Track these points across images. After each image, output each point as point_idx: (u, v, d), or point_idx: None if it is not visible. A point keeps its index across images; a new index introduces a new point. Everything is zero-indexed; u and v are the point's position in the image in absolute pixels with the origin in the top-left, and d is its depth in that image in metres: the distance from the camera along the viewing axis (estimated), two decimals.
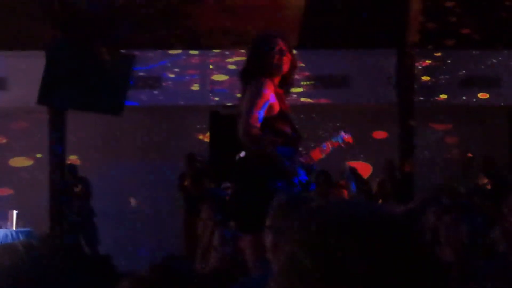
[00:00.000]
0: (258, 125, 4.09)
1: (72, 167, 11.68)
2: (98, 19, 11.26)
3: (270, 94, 4.18)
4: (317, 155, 4.75)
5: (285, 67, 4.34)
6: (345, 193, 10.10)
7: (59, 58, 10.56)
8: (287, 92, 4.47)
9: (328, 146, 4.83)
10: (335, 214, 1.03)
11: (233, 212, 4.53)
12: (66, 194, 11.33)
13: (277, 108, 4.23)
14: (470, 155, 11.17)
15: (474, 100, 12.29)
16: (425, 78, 12.27)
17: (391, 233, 0.99)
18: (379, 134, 12.80)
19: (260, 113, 4.12)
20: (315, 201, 1.03)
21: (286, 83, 4.41)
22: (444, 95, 12.33)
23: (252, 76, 4.26)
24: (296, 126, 4.46)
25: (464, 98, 12.28)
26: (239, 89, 4.42)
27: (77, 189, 11.41)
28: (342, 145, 4.94)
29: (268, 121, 4.15)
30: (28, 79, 11.01)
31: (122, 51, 11.16)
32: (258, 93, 4.15)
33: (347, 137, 4.94)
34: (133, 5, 11.35)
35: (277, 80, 4.32)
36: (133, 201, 12.08)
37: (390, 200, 10.45)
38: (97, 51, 10.83)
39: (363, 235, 0.98)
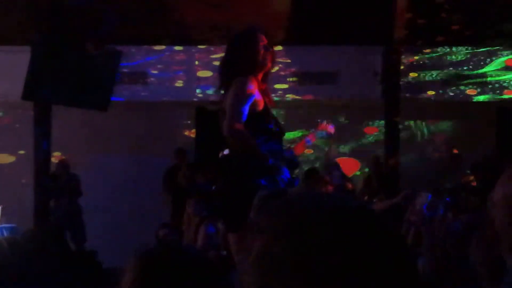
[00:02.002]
0: (243, 122, 4.07)
1: (64, 163, 11.62)
2: (83, 14, 11.21)
3: (254, 90, 4.15)
4: (301, 148, 4.74)
5: (269, 63, 4.32)
6: (330, 189, 10.11)
7: (44, 53, 10.50)
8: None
9: (311, 139, 4.81)
10: (307, 205, 1.02)
11: (218, 210, 4.52)
12: (54, 190, 11.29)
13: (261, 104, 4.21)
14: (455, 151, 11.21)
15: (461, 96, 12.33)
16: (412, 74, 12.30)
17: (363, 224, 0.99)
18: (371, 130, 12.81)
19: (244, 110, 4.09)
20: (293, 192, 1.03)
21: (266, 78, 4.38)
22: (431, 91, 12.37)
23: (234, 72, 4.22)
24: (280, 122, 4.44)
25: (451, 94, 12.32)
26: (220, 84, 4.35)
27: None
28: (325, 137, 4.92)
29: (253, 117, 4.13)
30: (13, 74, 10.94)
31: (108, 46, 11.11)
32: (242, 90, 4.12)
33: (329, 128, 4.92)
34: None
35: (260, 75, 4.30)
36: None
37: (376, 196, 10.47)
38: (83, 46, 10.79)
39: (336, 226, 0.97)
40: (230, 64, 4.28)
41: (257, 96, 4.17)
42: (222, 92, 4.30)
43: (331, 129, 4.87)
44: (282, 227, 0.99)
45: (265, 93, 4.29)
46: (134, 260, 1.75)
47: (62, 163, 11.56)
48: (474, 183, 10.47)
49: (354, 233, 0.97)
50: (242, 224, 3.73)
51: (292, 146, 4.75)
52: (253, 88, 4.14)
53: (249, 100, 4.10)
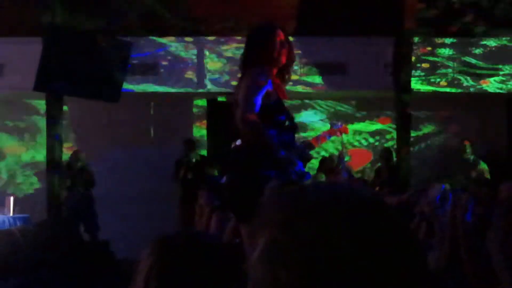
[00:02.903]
0: (256, 112, 4.08)
1: (78, 154, 11.68)
2: (95, 6, 11.23)
3: (267, 82, 4.17)
4: (314, 144, 4.76)
5: (283, 59, 4.33)
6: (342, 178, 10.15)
7: (56, 45, 10.53)
8: (284, 82, 4.46)
9: (324, 135, 4.84)
10: (315, 195, 1.00)
11: (228, 201, 4.52)
12: (67, 180, 11.32)
13: (274, 96, 4.22)
14: (466, 142, 11.17)
15: (473, 87, 12.28)
16: (425, 65, 12.25)
17: (373, 215, 0.98)
18: (384, 121, 12.78)
19: (257, 100, 4.10)
20: (301, 184, 1.00)
21: (283, 74, 4.40)
22: (444, 82, 12.32)
23: (250, 65, 4.25)
24: (292, 116, 4.46)
25: (463, 85, 12.28)
26: (236, 76, 4.41)
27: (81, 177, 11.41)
28: (338, 135, 4.95)
29: (265, 109, 4.14)
30: (25, 66, 10.97)
31: (118, 38, 11.13)
32: (255, 81, 4.14)
33: (343, 127, 4.95)
34: None
35: (275, 70, 4.32)
36: None
37: (386, 187, 10.48)
38: (94, 38, 10.81)
39: (345, 216, 0.96)
40: (247, 57, 4.32)
41: (270, 88, 4.19)
42: (235, 83, 4.34)
43: (344, 128, 4.91)
44: (290, 219, 0.97)
45: (278, 87, 4.31)
46: (152, 245, 1.75)
47: (76, 154, 11.59)
48: (487, 175, 10.45)
49: (363, 224, 0.96)
50: (253, 215, 3.72)
51: (308, 139, 4.76)
52: (266, 79, 4.16)
53: (262, 90, 4.12)
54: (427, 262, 1.05)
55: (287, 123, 4.28)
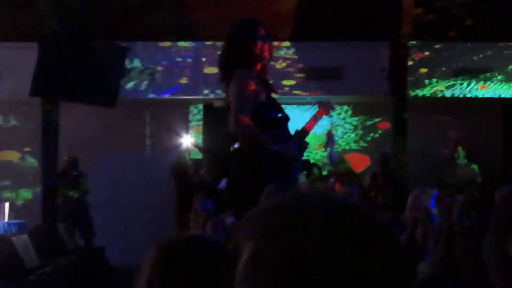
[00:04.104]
0: (248, 116, 4.08)
1: (73, 159, 11.65)
2: (92, 11, 11.22)
3: (255, 81, 4.16)
4: (312, 124, 4.73)
5: (267, 54, 4.32)
6: (337, 185, 10.12)
7: (52, 50, 10.51)
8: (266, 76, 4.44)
9: (315, 117, 4.81)
10: (299, 205, 1.00)
11: (229, 202, 4.54)
12: (62, 187, 11.29)
13: (263, 94, 4.22)
14: (459, 146, 11.20)
15: (469, 92, 12.30)
16: (422, 70, 12.27)
17: (357, 225, 0.98)
18: (383, 125, 12.77)
19: (248, 102, 4.11)
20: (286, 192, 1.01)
21: (265, 70, 4.38)
22: (440, 87, 12.34)
23: (233, 64, 4.22)
24: (282, 108, 4.45)
25: (459, 90, 12.29)
26: (222, 78, 4.35)
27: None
28: (327, 114, 4.92)
29: (257, 108, 4.14)
30: (21, 71, 10.96)
31: (115, 43, 11.13)
32: (243, 83, 4.13)
33: (329, 105, 4.94)
34: None
35: (259, 66, 4.30)
36: None
37: (382, 192, 10.47)
38: (90, 43, 10.80)
39: (328, 227, 0.96)
40: (228, 56, 4.29)
41: (258, 86, 4.18)
42: (224, 85, 4.32)
43: (331, 106, 4.87)
44: (273, 229, 0.97)
45: (266, 83, 4.31)
46: (156, 247, 1.77)
47: (70, 160, 11.58)
48: (479, 179, 10.46)
49: (347, 234, 0.95)
50: None
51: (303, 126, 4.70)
52: (254, 79, 4.16)
53: (252, 91, 4.11)
54: (414, 271, 1.05)
55: (279, 115, 4.28)
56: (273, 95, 4.40)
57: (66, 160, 11.63)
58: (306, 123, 4.59)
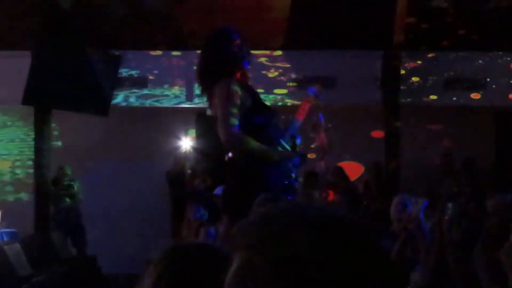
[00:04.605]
0: (236, 124, 4.09)
1: (65, 168, 11.64)
2: (84, 20, 11.22)
3: (238, 90, 4.17)
4: (300, 118, 4.78)
5: (246, 61, 4.33)
6: (331, 194, 10.14)
7: (44, 58, 10.52)
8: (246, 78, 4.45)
9: (305, 105, 4.85)
10: (287, 217, 1.02)
11: (224, 210, 4.58)
12: (55, 195, 11.27)
13: (248, 99, 4.23)
14: (449, 156, 11.24)
15: (462, 101, 12.34)
16: (415, 79, 12.30)
17: (345, 237, 0.99)
18: (377, 134, 12.78)
19: (235, 114, 4.11)
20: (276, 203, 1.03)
21: (245, 77, 4.39)
22: (433, 96, 12.36)
23: (213, 74, 4.22)
24: (265, 102, 4.48)
25: (453, 99, 12.33)
26: (202, 91, 4.32)
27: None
28: (316, 100, 4.95)
29: (244, 117, 4.15)
30: (13, 79, 10.94)
31: (108, 51, 11.13)
32: (227, 96, 4.13)
33: (317, 88, 4.98)
34: (118, 5, 11.31)
35: (239, 74, 4.31)
36: None
37: (375, 201, 10.48)
38: (83, 51, 10.80)
39: (319, 240, 0.97)
40: (207, 67, 4.28)
41: (242, 93, 4.19)
42: (206, 97, 4.31)
43: (319, 91, 4.92)
44: (261, 240, 0.99)
45: (249, 89, 4.32)
46: (163, 252, 1.77)
47: (63, 169, 11.57)
48: (475, 189, 10.47)
49: (333, 246, 0.97)
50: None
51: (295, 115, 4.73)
52: (237, 88, 4.16)
53: (237, 101, 4.12)
54: (406, 282, 1.06)
55: (267, 118, 4.28)
56: (259, 98, 4.42)
57: (58, 169, 11.62)
58: (297, 113, 4.63)
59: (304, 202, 4.12)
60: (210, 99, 4.26)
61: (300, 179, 8.40)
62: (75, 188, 11.45)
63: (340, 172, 11.44)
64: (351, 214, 1.04)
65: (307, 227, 0.98)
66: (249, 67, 4.38)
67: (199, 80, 4.34)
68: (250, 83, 4.46)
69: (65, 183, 11.43)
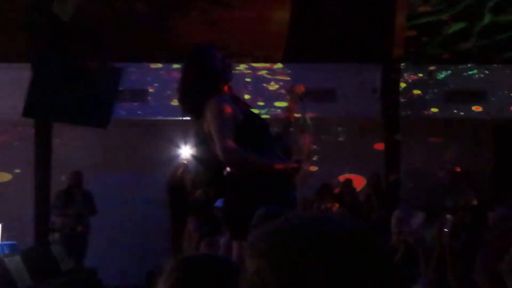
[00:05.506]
0: (233, 144, 4.08)
1: (79, 175, 11.45)
2: (84, 33, 11.26)
3: (229, 107, 4.15)
4: (290, 118, 4.84)
5: (229, 74, 4.33)
6: (336, 205, 10.20)
7: (45, 70, 10.54)
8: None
9: (292, 104, 4.91)
10: (300, 229, 1.04)
11: (225, 224, 4.60)
12: (66, 206, 11.11)
13: (239, 114, 4.22)
14: (458, 169, 11.23)
15: (462, 113, 12.36)
16: (415, 92, 12.33)
17: (355, 250, 1.01)
18: (380, 146, 12.78)
19: (229, 130, 4.10)
20: (288, 215, 1.05)
21: (232, 88, 4.40)
22: (434, 108, 12.38)
23: (200, 92, 4.20)
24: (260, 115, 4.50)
25: (454, 111, 12.35)
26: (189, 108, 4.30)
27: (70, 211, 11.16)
28: (300, 98, 4.99)
29: (237, 130, 4.15)
30: (14, 91, 10.97)
31: (108, 64, 11.16)
32: (220, 112, 4.11)
33: (298, 87, 5.03)
34: (118, 18, 11.35)
35: (226, 88, 4.31)
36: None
37: (376, 213, 10.49)
38: (83, 64, 10.83)
39: (328, 251, 0.99)
40: (192, 85, 4.26)
41: (233, 107, 4.19)
42: (193, 115, 4.28)
43: (300, 87, 4.97)
44: (273, 250, 1.01)
45: (237, 101, 4.32)
46: (175, 262, 1.80)
47: (76, 175, 11.34)
48: (475, 202, 10.46)
49: (346, 260, 0.98)
50: (246, 233, 3.76)
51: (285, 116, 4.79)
52: (227, 105, 4.16)
53: (229, 115, 4.11)
54: None
55: (260, 129, 4.28)
56: (248, 108, 4.43)
57: (71, 176, 11.39)
58: (286, 113, 4.68)
59: (315, 213, 4.14)
60: (198, 118, 4.24)
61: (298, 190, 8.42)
62: (90, 198, 11.28)
63: (349, 185, 11.50)
64: (363, 227, 1.06)
65: (315, 238, 1.01)
66: (232, 78, 4.39)
67: (183, 98, 4.30)
68: (248, 95, 4.50)
69: (80, 191, 11.26)
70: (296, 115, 5.00)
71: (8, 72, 11.57)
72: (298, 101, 4.92)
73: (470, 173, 11.71)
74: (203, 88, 4.17)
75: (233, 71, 4.43)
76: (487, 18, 11.56)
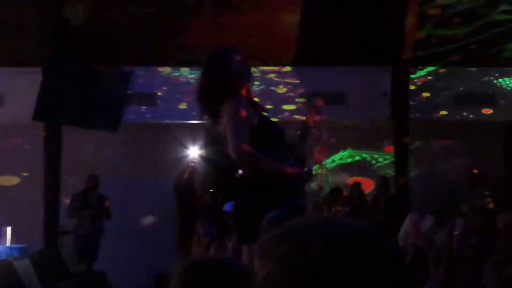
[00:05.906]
0: (247, 146, 4.10)
1: (96, 178, 11.46)
2: (94, 37, 11.30)
3: (245, 110, 4.18)
4: (310, 121, 4.91)
5: (248, 77, 4.37)
6: (345, 210, 10.20)
7: (55, 74, 10.59)
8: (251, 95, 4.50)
9: (311, 115, 4.97)
10: (311, 232, 1.04)
11: (235, 227, 4.60)
12: (83, 209, 11.11)
13: (255, 117, 4.24)
14: (475, 171, 11.18)
15: (472, 116, 12.33)
16: (425, 94, 12.31)
17: (367, 253, 1.01)
18: (390, 149, 12.77)
19: (244, 132, 4.12)
20: (298, 218, 1.05)
21: (249, 93, 4.43)
22: (444, 111, 12.36)
23: (218, 95, 4.23)
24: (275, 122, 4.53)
25: (464, 114, 12.33)
26: (206, 112, 4.33)
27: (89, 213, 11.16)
28: (318, 113, 5.04)
29: (253, 133, 4.17)
30: (24, 95, 11.01)
31: (118, 68, 11.19)
32: (236, 114, 4.14)
33: (318, 101, 5.08)
34: (128, 22, 11.39)
35: (244, 91, 4.34)
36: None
37: (384, 216, 10.46)
38: (93, 68, 10.87)
39: (338, 254, 0.99)
40: (211, 87, 4.30)
41: (249, 111, 4.21)
42: (211, 117, 4.31)
43: (320, 103, 5.03)
44: (283, 254, 1.02)
45: (254, 104, 4.34)
46: (184, 266, 1.81)
47: (93, 179, 11.34)
48: (491, 205, 10.39)
49: (357, 264, 0.98)
50: (256, 236, 3.77)
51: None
52: (244, 108, 4.17)
53: (244, 118, 4.13)
54: None
55: (274, 134, 4.30)
56: (265, 113, 4.44)
57: (88, 179, 11.38)
58: (306, 120, 4.75)
59: (325, 217, 4.14)
60: (215, 119, 4.27)
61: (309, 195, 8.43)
62: (106, 202, 11.31)
63: (358, 188, 11.49)
64: (373, 230, 1.05)
65: (325, 243, 1.01)
66: (251, 82, 4.43)
67: (202, 101, 4.35)
68: (257, 98, 4.50)
69: (96, 194, 11.29)
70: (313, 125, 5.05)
71: (19, 76, 11.62)
72: (316, 114, 4.97)
73: (485, 175, 11.65)
74: (221, 90, 4.21)
75: (252, 75, 4.48)
76: (496, 17, 11.55)
